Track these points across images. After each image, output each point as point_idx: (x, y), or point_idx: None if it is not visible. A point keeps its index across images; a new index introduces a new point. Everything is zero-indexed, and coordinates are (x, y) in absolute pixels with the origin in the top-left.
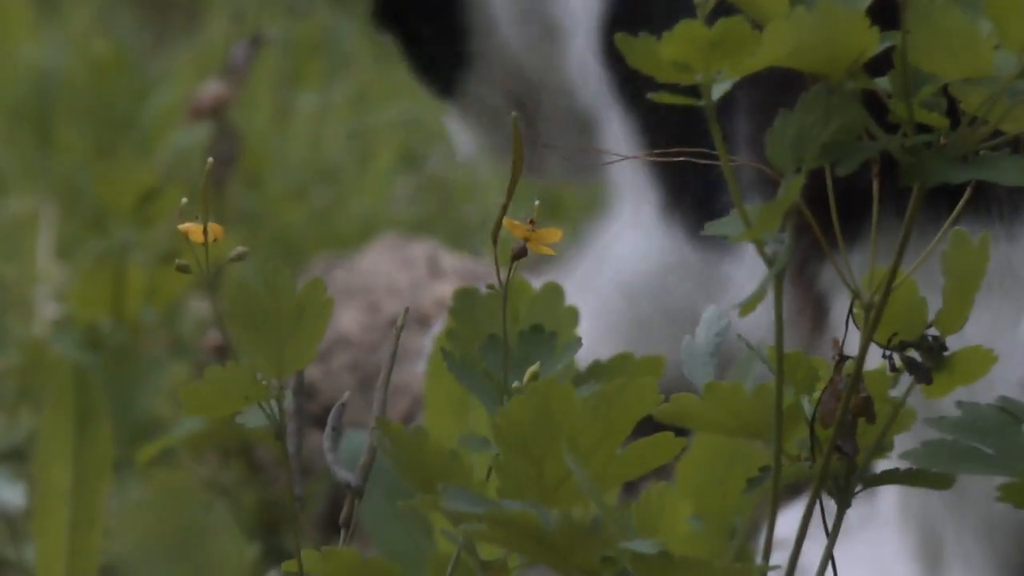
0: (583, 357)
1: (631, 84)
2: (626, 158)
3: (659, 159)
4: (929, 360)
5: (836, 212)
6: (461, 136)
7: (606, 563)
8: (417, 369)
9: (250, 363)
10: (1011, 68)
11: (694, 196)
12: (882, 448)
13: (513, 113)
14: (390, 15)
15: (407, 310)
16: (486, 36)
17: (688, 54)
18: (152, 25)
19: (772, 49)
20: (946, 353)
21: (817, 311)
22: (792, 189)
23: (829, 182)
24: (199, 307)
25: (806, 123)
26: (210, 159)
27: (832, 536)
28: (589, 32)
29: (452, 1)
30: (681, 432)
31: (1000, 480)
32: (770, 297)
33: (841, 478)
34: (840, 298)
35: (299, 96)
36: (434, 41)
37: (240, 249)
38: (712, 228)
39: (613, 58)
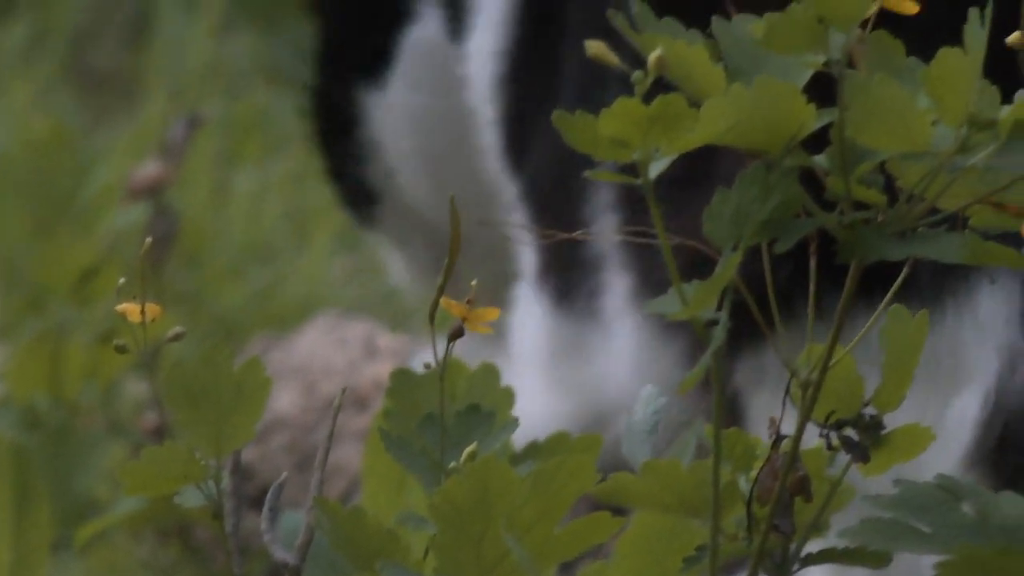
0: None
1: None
2: (569, 237)
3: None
4: (866, 438)
5: (773, 289)
6: (391, 258)
7: None
8: (354, 450)
9: (188, 443)
10: (949, 143)
11: (569, 274)
12: (819, 527)
13: (451, 194)
14: (319, 147)
15: (344, 390)
16: (387, 176)
17: (626, 131)
18: (90, 103)
19: (710, 126)
20: (883, 431)
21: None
22: (729, 266)
23: (766, 259)
24: (137, 387)
25: (744, 200)
26: (148, 238)
27: None
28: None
29: (354, 139)
30: (619, 510)
31: (937, 559)
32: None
33: (778, 556)
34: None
35: (237, 175)
36: (346, 175)
37: (178, 329)
38: (650, 307)
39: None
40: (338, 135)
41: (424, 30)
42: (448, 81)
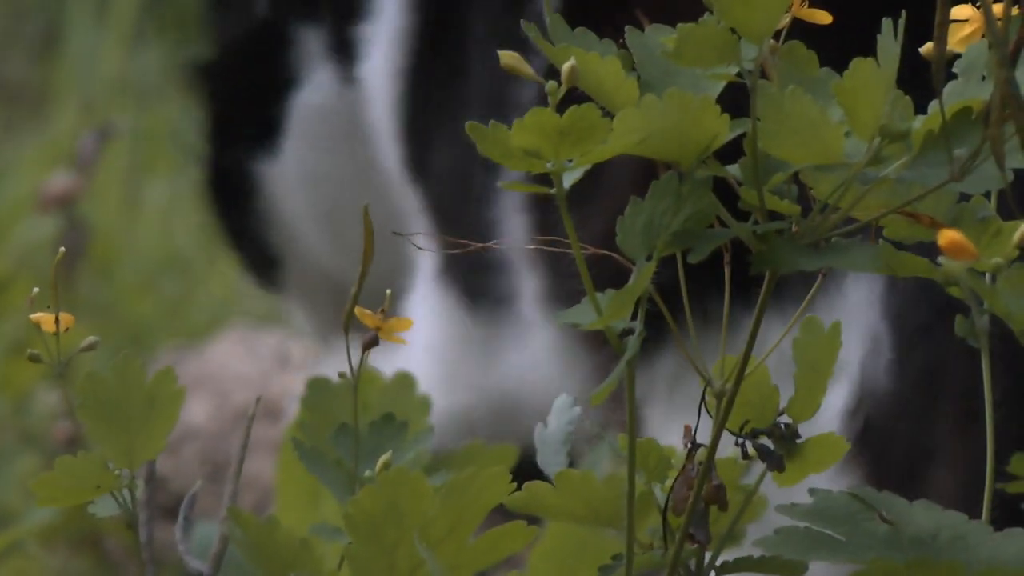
0: None
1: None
2: (485, 247)
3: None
4: (781, 447)
5: (687, 299)
6: (296, 315)
7: None
8: (267, 461)
9: (101, 453)
10: (862, 155)
11: (474, 273)
12: (734, 536)
13: (365, 204)
14: (217, 218)
15: (259, 400)
16: (287, 239)
17: (538, 142)
18: (1, 115)
19: (623, 137)
20: (798, 440)
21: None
22: (643, 276)
23: (680, 269)
24: (50, 397)
25: (657, 210)
26: (61, 250)
27: None
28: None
29: (251, 208)
30: (534, 520)
31: (852, 568)
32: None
33: (693, 566)
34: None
35: (148, 187)
36: (245, 243)
37: (91, 339)
38: (563, 317)
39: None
40: (234, 205)
41: (313, 93)
42: (342, 132)
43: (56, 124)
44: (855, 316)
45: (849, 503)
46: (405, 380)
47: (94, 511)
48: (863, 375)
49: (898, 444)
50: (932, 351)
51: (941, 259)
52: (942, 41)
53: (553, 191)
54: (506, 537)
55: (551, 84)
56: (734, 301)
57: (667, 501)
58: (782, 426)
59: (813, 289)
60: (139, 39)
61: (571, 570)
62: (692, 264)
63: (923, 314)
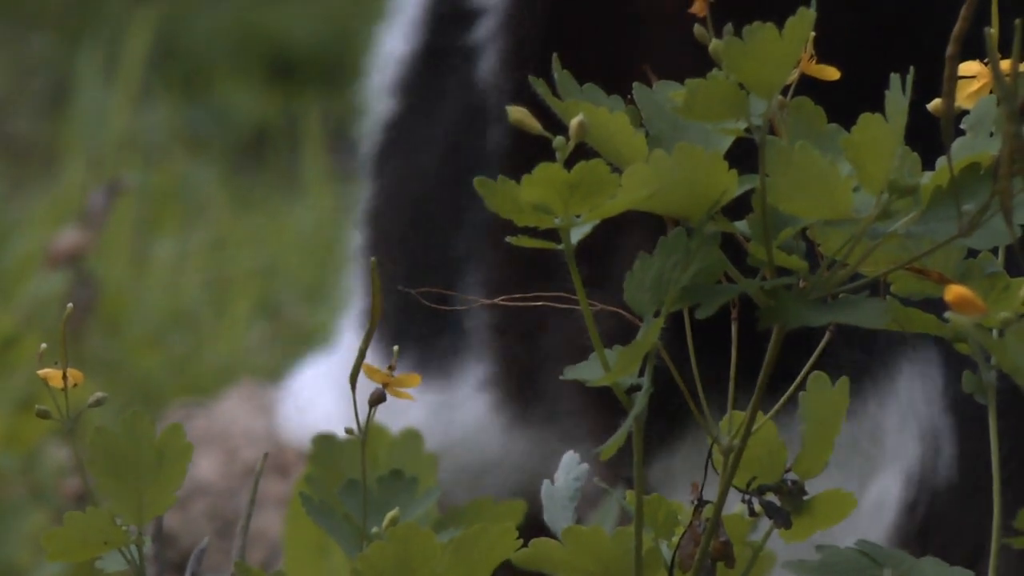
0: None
1: None
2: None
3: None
4: (788, 504)
5: (695, 355)
6: None
7: None
8: (275, 516)
9: (110, 509)
10: (871, 210)
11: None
12: None
13: (372, 258)
14: None
15: (266, 456)
16: None
17: (547, 197)
18: (9, 172)
19: (631, 192)
20: (805, 497)
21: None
22: (651, 332)
23: (688, 325)
24: (59, 453)
25: (665, 266)
26: (69, 306)
27: None
28: None
29: None
30: None
31: None
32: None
33: None
34: None
35: (156, 243)
36: None
37: (99, 395)
38: (571, 372)
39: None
40: None
41: None
42: None
43: (65, 180)
44: (910, 407)
45: (857, 559)
46: (413, 436)
47: (102, 567)
48: (922, 468)
49: (959, 535)
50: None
51: (949, 314)
52: (951, 96)
53: (561, 246)
54: None
55: (559, 139)
56: (750, 357)
57: (674, 557)
58: (789, 483)
59: (821, 345)
60: (146, 96)
61: None
62: (701, 320)
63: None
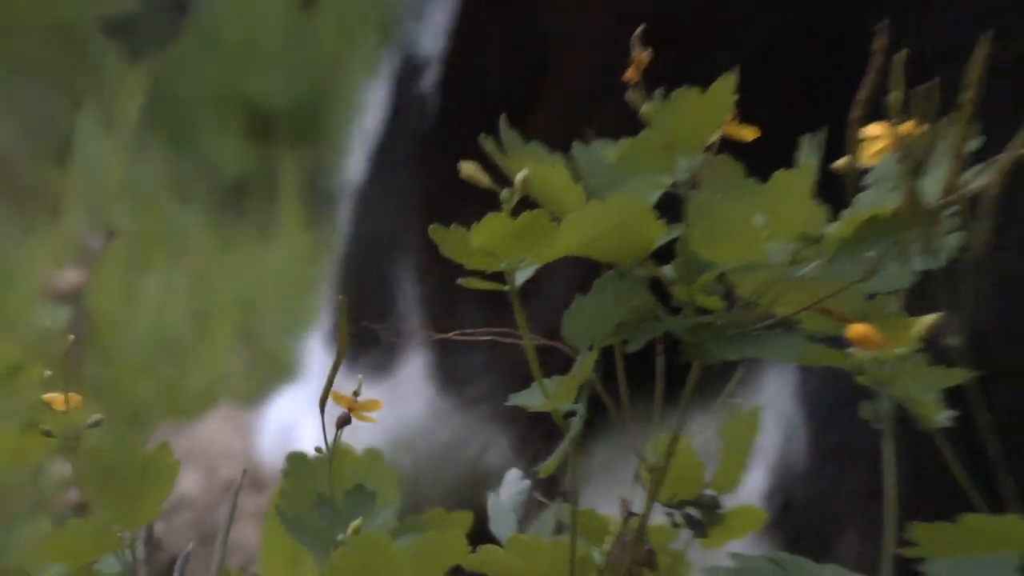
0: None
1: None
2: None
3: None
4: (706, 516)
5: (625, 385)
6: None
7: None
8: (252, 528)
9: (104, 518)
10: (782, 256)
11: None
12: None
13: (341, 295)
14: None
15: (245, 473)
16: None
17: (494, 243)
18: (15, 217)
19: (569, 239)
20: (720, 510)
21: None
22: (586, 365)
23: (619, 358)
24: (62, 467)
25: (600, 305)
26: (70, 337)
27: None
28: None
29: None
30: None
31: None
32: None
33: None
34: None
35: (145, 279)
36: None
37: (96, 416)
38: (516, 399)
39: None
40: None
41: None
42: None
43: (65, 224)
44: (773, 403)
45: (765, 566)
46: (375, 455)
47: (99, 569)
48: (782, 457)
49: (813, 518)
50: (842, 434)
51: (851, 350)
52: (855, 156)
53: (506, 287)
54: None
55: (505, 192)
56: (673, 387)
57: (605, 563)
58: (707, 497)
59: (734, 379)
60: (140, 148)
61: None
62: (632, 353)
63: (833, 400)
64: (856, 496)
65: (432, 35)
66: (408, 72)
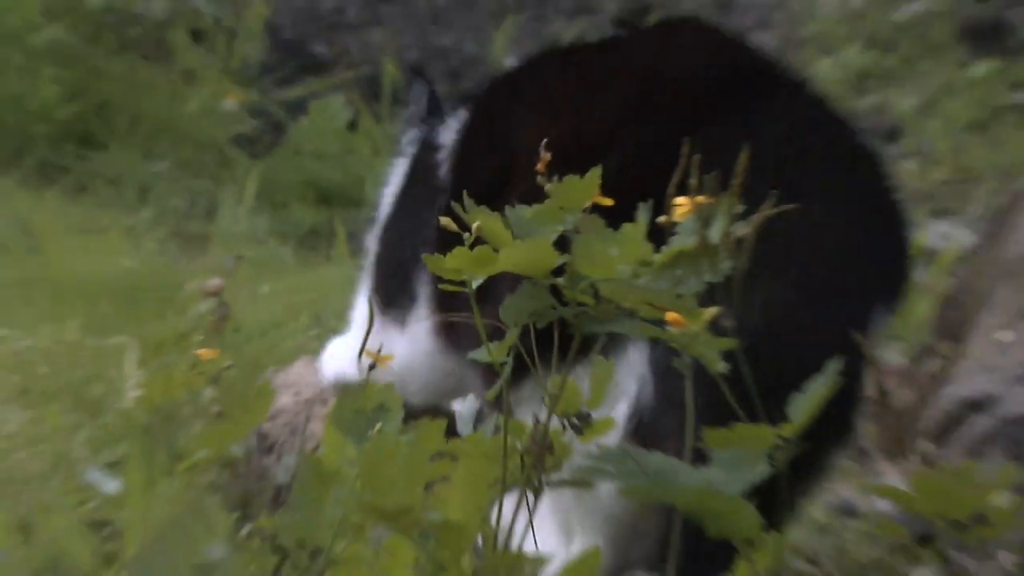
0: None
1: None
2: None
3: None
4: (582, 423)
5: (536, 345)
6: None
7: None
8: (318, 426)
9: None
10: (627, 273)
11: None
12: (556, 468)
13: (370, 295)
14: None
15: (315, 398)
16: None
17: (460, 264)
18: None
19: (503, 263)
20: (590, 420)
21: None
22: (513, 335)
23: (532, 332)
24: (209, 392)
25: (522, 300)
26: (214, 318)
27: (531, 513)
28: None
29: None
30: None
31: (620, 486)
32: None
33: (535, 481)
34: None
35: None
36: None
37: (229, 363)
38: (473, 355)
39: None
40: None
41: None
42: None
43: (213, 253)
44: (633, 365)
45: (619, 453)
46: (389, 387)
47: (235, 451)
48: (637, 398)
49: (651, 430)
50: (668, 388)
51: (667, 327)
52: (670, 215)
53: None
54: (441, 467)
55: (467, 235)
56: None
57: (524, 450)
58: (583, 413)
59: (599, 343)
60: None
61: (474, 484)
62: (539, 329)
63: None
64: (676, 418)
65: (447, 133)
66: (427, 151)
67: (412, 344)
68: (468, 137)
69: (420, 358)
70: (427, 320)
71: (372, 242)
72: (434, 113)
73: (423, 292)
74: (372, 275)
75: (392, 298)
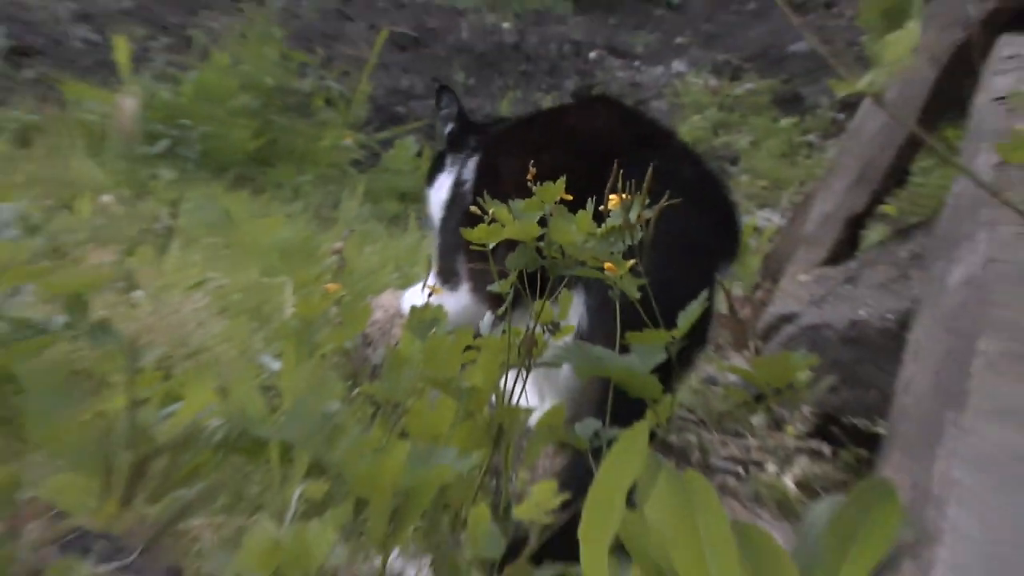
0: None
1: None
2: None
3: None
4: (553, 329)
5: (526, 284)
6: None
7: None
8: (398, 330)
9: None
10: (581, 240)
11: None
12: (537, 356)
13: (427, 255)
14: None
15: (396, 314)
16: None
17: (483, 235)
18: (321, 228)
19: (507, 233)
20: (559, 327)
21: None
22: (513, 277)
23: (524, 276)
24: (333, 311)
25: (519, 255)
26: (337, 267)
27: (524, 384)
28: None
29: None
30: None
31: (575, 367)
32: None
33: (526, 364)
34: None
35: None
36: None
37: (344, 293)
38: (490, 288)
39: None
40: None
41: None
42: None
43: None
44: (581, 298)
45: (574, 347)
46: (441, 311)
47: (348, 345)
48: (580, 324)
49: (590, 334)
50: (601, 303)
51: (606, 272)
52: (607, 206)
53: (487, 249)
54: (471, 355)
55: (488, 219)
56: (543, 287)
57: (519, 345)
58: (556, 322)
59: (563, 283)
60: (362, 203)
61: (489, 367)
62: (530, 273)
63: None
64: (606, 326)
65: (468, 171)
66: (458, 184)
67: (459, 301)
68: (479, 175)
69: (463, 308)
70: (465, 287)
71: (433, 239)
72: (459, 120)
73: (462, 271)
74: (435, 261)
75: (447, 276)
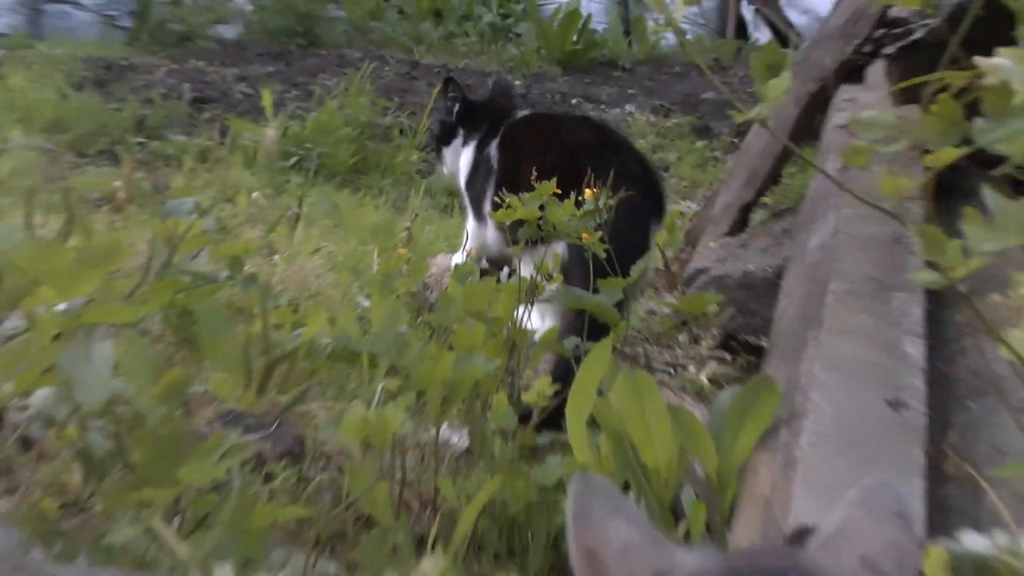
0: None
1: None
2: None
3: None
4: (548, 276)
5: (532, 241)
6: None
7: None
8: (446, 280)
9: (411, 276)
10: (567, 218)
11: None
12: (539, 294)
13: (465, 222)
14: None
15: (446, 268)
16: None
17: (502, 216)
18: (398, 210)
19: (518, 214)
20: (551, 275)
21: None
22: (523, 242)
23: (534, 237)
24: (403, 268)
25: (526, 229)
26: (406, 238)
27: (529, 312)
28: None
29: None
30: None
31: (562, 302)
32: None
33: (531, 299)
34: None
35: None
36: None
37: (410, 255)
38: (510, 251)
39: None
40: None
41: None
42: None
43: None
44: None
45: (561, 288)
46: (474, 263)
47: (414, 288)
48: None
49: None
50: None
51: (584, 239)
52: (582, 194)
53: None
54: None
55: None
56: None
57: (526, 288)
58: (550, 273)
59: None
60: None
61: (507, 302)
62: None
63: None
64: (582, 274)
65: (492, 149)
66: (482, 155)
67: (489, 232)
68: (501, 152)
69: (492, 236)
70: (491, 224)
71: (464, 194)
72: (463, 102)
73: (487, 214)
74: (468, 206)
75: (478, 216)
